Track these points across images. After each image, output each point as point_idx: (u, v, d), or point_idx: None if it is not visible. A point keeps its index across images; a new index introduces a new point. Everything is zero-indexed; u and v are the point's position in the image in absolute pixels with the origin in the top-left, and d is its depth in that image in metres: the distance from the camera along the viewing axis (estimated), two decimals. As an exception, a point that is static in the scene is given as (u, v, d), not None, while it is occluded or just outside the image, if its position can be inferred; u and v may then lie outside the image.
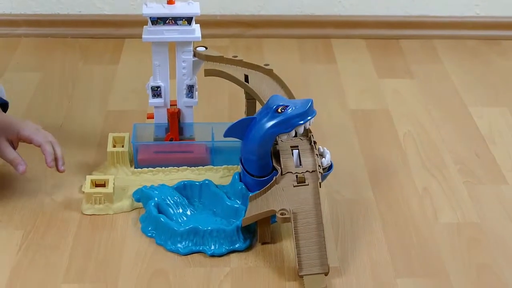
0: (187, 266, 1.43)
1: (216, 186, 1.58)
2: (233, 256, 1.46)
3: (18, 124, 1.58)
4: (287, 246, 1.48)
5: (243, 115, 1.71)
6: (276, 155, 1.53)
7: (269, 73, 1.67)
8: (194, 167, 1.66)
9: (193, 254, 1.45)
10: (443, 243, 1.51)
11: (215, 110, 1.91)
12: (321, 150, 1.53)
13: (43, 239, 1.48)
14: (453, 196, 1.64)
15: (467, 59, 2.23)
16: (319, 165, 1.48)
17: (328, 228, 1.51)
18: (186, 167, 1.66)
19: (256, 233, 1.49)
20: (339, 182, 1.65)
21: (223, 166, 1.66)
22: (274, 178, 1.48)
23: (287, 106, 1.48)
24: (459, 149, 1.80)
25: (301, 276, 1.37)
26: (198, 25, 1.62)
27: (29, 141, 1.57)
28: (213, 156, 1.67)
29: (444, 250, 1.49)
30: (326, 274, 1.37)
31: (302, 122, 1.47)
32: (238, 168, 1.64)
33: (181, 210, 1.54)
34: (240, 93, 1.71)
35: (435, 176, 1.70)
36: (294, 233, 1.39)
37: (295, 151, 1.51)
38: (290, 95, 1.63)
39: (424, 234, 1.53)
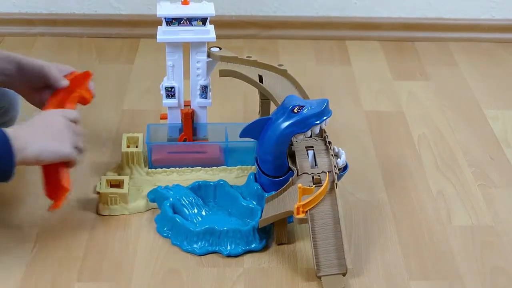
0: (201, 266, 1.43)
1: (231, 186, 1.58)
2: (247, 256, 1.46)
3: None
4: (301, 247, 1.48)
5: (257, 116, 1.71)
6: (292, 155, 1.53)
7: (283, 73, 1.67)
8: (208, 167, 1.66)
9: (207, 255, 1.45)
10: (457, 246, 1.50)
11: (229, 111, 1.91)
12: (336, 150, 1.53)
13: (58, 238, 1.49)
14: (467, 199, 1.64)
15: (482, 62, 2.22)
16: (335, 166, 1.48)
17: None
18: (200, 167, 1.66)
19: (271, 233, 1.49)
20: (352, 183, 1.65)
21: (237, 167, 1.66)
22: (290, 179, 1.48)
23: (303, 106, 1.48)
24: (474, 152, 1.80)
25: (319, 277, 1.37)
26: (213, 25, 1.62)
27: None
28: (227, 156, 1.67)
29: (458, 253, 1.48)
30: (344, 274, 1.37)
31: (318, 122, 1.47)
32: (252, 168, 1.64)
33: (196, 211, 1.55)
34: (255, 93, 1.71)
35: (449, 178, 1.70)
36: (312, 234, 1.39)
37: (310, 152, 1.51)
38: (304, 96, 1.63)
39: (437, 236, 1.53)
